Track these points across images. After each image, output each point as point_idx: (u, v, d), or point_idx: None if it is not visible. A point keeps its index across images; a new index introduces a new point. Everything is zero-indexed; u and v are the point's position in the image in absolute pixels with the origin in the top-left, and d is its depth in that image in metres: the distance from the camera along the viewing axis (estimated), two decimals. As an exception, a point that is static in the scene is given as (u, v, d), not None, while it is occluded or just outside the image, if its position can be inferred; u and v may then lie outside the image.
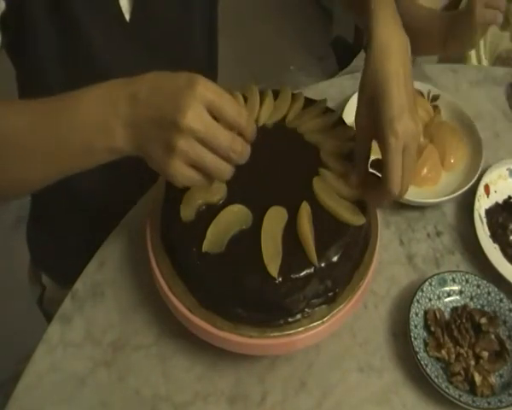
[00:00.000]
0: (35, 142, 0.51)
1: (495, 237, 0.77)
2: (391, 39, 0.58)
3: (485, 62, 1.12)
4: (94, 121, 0.49)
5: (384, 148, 0.55)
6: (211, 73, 0.88)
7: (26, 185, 0.57)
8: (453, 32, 0.90)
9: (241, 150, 0.49)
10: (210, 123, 0.47)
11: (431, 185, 0.81)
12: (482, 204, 0.80)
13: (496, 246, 0.76)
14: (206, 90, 0.47)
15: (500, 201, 0.82)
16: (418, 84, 0.93)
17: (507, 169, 0.84)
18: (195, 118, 0.46)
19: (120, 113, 0.48)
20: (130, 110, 0.48)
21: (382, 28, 0.58)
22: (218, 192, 0.58)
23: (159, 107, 0.47)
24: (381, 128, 0.55)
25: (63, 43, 0.64)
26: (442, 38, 0.92)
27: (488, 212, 0.80)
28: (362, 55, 1.53)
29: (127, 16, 0.67)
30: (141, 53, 0.70)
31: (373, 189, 0.59)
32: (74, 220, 0.87)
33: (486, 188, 0.81)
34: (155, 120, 0.47)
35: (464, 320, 0.67)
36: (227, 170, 0.50)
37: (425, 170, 0.81)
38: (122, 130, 0.48)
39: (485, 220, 0.78)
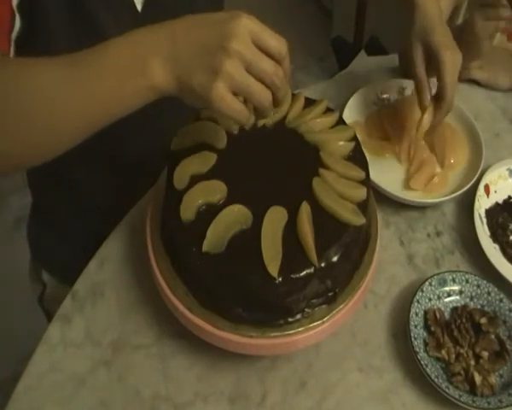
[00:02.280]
0: (65, 93, 0.49)
1: (495, 237, 0.77)
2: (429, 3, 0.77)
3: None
4: (131, 62, 0.48)
5: (440, 67, 0.73)
6: None
7: (56, 144, 0.53)
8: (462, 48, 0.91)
9: (283, 78, 0.50)
10: (255, 49, 0.48)
11: (441, 189, 0.81)
12: (482, 204, 0.80)
13: (496, 246, 0.76)
14: (250, 20, 0.48)
15: (500, 201, 0.82)
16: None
17: (507, 169, 0.84)
18: (242, 42, 0.47)
19: (159, 51, 0.48)
20: (169, 48, 0.48)
21: None
22: (218, 192, 0.58)
23: (202, 38, 0.48)
24: (435, 56, 0.74)
25: (75, 34, 0.64)
26: None
27: (488, 212, 0.80)
28: (362, 54, 1.53)
29: (139, 7, 0.68)
30: None
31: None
32: (75, 216, 0.88)
33: (486, 188, 0.81)
34: (198, 51, 0.47)
35: (464, 320, 0.67)
36: (269, 98, 0.50)
37: (437, 179, 0.81)
38: (160, 67, 0.48)
39: (485, 220, 0.78)
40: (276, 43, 0.49)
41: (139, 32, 0.50)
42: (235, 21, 0.47)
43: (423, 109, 0.78)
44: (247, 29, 0.47)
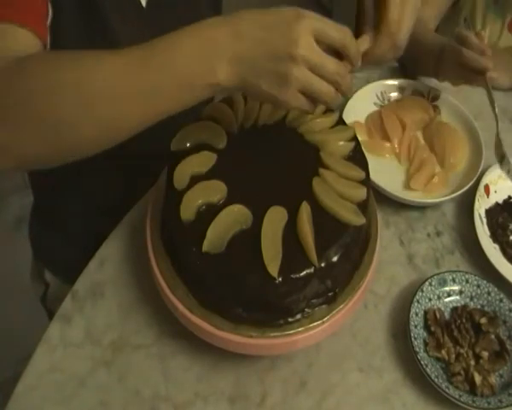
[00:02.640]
0: (130, 86, 0.49)
1: (495, 237, 0.77)
2: None
3: None
4: (193, 59, 0.49)
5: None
6: None
7: (122, 130, 0.53)
8: (442, 66, 0.88)
9: (345, 74, 0.52)
10: (319, 51, 0.49)
11: (441, 189, 0.81)
12: (482, 204, 0.80)
13: (496, 246, 0.76)
14: (312, 19, 0.49)
15: (500, 201, 0.82)
16: (418, 84, 0.93)
17: (507, 169, 0.84)
18: (307, 47, 0.48)
19: (224, 50, 0.48)
20: (234, 46, 0.48)
21: None
22: (218, 192, 0.58)
23: (268, 41, 0.48)
24: None
25: (81, 30, 0.65)
26: (434, 67, 0.90)
27: (488, 212, 0.80)
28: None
29: (143, 2, 0.69)
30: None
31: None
32: (77, 215, 0.88)
33: (486, 188, 0.81)
34: (266, 54, 0.49)
35: (464, 320, 0.67)
36: (335, 96, 0.53)
37: (437, 179, 0.81)
38: (226, 66, 0.49)
39: (485, 220, 0.78)
40: (339, 35, 0.51)
41: (202, 28, 0.50)
42: (298, 24, 0.48)
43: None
44: (310, 30, 0.49)
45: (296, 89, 0.50)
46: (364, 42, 0.57)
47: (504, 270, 0.71)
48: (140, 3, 0.69)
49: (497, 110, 0.83)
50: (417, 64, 0.95)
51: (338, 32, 0.51)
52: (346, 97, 0.88)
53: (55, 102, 0.48)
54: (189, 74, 0.49)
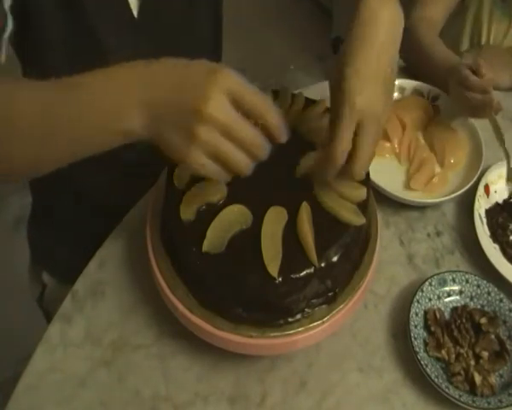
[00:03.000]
0: (47, 125, 0.49)
1: (495, 237, 0.77)
2: (381, 9, 0.53)
3: None
4: (107, 103, 0.47)
5: (336, 116, 0.52)
6: None
7: (38, 167, 0.54)
8: (450, 91, 0.87)
9: (262, 146, 0.47)
10: (231, 114, 0.45)
11: (441, 189, 0.81)
12: (482, 204, 0.80)
13: (496, 246, 0.76)
14: (229, 79, 0.45)
15: (500, 201, 0.82)
16: (418, 84, 0.93)
17: (507, 169, 0.84)
18: (218, 107, 0.44)
19: (136, 94, 0.47)
20: (147, 91, 0.46)
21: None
22: (218, 192, 0.58)
23: (178, 90, 0.45)
24: (341, 95, 0.52)
25: (71, 40, 0.64)
26: (443, 86, 0.89)
27: (488, 212, 0.80)
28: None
29: (135, 12, 0.68)
30: (147, 49, 0.71)
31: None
32: (75, 217, 0.88)
33: (486, 188, 0.81)
34: (175, 104, 0.46)
35: (464, 320, 0.67)
36: (247, 164, 0.48)
37: (437, 179, 0.81)
38: (137, 111, 0.46)
39: (485, 220, 0.78)
40: (258, 101, 0.46)
41: (119, 71, 0.48)
42: (210, 80, 0.44)
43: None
44: (225, 89, 0.44)
45: (203, 151, 0.45)
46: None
47: (504, 270, 0.71)
48: (131, 13, 0.67)
49: (506, 145, 0.82)
50: (427, 77, 0.94)
51: (255, 98, 0.46)
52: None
53: None
54: (101, 117, 0.48)
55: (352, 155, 0.53)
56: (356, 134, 0.52)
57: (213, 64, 0.46)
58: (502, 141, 0.82)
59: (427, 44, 0.95)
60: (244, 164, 0.48)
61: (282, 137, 0.48)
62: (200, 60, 0.47)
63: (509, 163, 0.82)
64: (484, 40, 1.10)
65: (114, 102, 0.47)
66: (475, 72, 0.80)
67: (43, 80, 0.50)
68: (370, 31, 0.52)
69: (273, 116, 0.47)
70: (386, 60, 0.54)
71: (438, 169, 0.83)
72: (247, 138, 0.46)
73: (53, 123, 0.49)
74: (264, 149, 0.48)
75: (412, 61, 0.98)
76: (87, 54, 0.66)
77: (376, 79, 0.52)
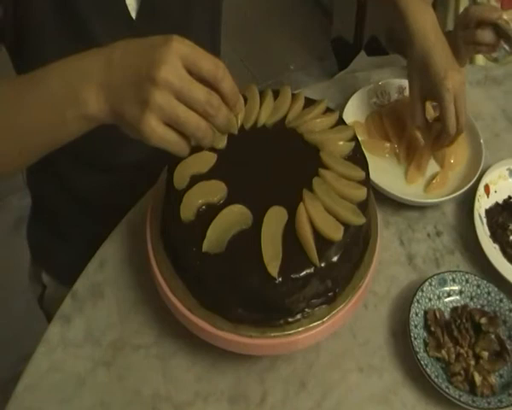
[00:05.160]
0: (6, 119, 0.50)
1: (495, 237, 0.77)
2: (423, 17, 0.75)
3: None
4: (64, 91, 0.47)
5: (440, 102, 0.73)
6: None
7: (5, 163, 0.54)
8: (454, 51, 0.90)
9: (218, 106, 0.46)
10: (185, 76, 0.45)
11: (440, 189, 0.81)
12: (482, 204, 0.80)
13: (496, 246, 0.76)
14: (181, 44, 0.45)
15: (500, 201, 0.82)
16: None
17: (507, 169, 0.84)
18: (171, 70, 0.44)
19: (93, 78, 0.46)
20: (103, 74, 0.46)
21: (414, 8, 0.75)
22: (218, 192, 0.58)
23: (133, 65, 0.45)
24: (435, 88, 0.73)
25: (68, 43, 0.64)
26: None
27: (488, 212, 0.80)
28: (362, 55, 1.53)
29: (133, 14, 0.67)
30: None
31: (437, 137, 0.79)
32: (75, 217, 0.88)
33: (486, 188, 0.81)
34: (129, 79, 0.45)
35: (464, 320, 0.67)
36: (206, 130, 0.47)
37: (437, 179, 0.81)
38: (94, 95, 0.46)
39: (485, 220, 0.78)
40: (211, 66, 0.46)
41: (75, 59, 0.48)
42: (164, 47, 0.44)
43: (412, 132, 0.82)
44: (178, 54, 0.44)
45: (159, 118, 0.45)
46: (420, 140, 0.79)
47: (504, 270, 0.71)
48: (129, 15, 0.67)
49: (506, 145, 0.87)
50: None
51: (210, 63, 0.46)
52: (346, 97, 0.88)
53: None
54: (58, 105, 0.48)
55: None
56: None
57: (166, 35, 0.46)
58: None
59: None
60: (204, 129, 0.47)
61: (238, 105, 0.48)
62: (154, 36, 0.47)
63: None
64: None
65: (71, 89, 0.47)
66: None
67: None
68: (428, 41, 0.75)
69: (228, 82, 0.47)
70: (445, 47, 0.76)
71: (438, 169, 0.83)
72: (200, 98, 0.45)
73: (11, 118, 0.50)
74: (221, 111, 0.47)
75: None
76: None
77: (449, 63, 0.74)
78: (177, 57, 0.44)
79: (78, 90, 0.46)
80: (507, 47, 0.81)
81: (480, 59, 1.12)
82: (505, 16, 0.80)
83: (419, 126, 0.80)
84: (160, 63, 0.44)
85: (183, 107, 0.45)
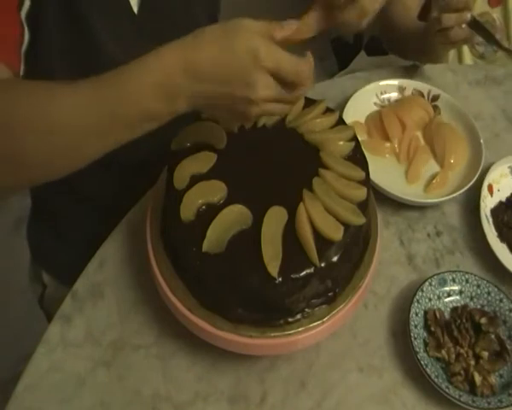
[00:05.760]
0: (89, 120, 0.50)
1: (502, 236, 0.76)
2: None
3: None
4: (154, 97, 0.49)
5: None
6: None
7: (81, 160, 0.55)
8: (425, 46, 0.93)
9: (301, 97, 0.60)
10: (276, 87, 0.51)
11: (441, 189, 0.81)
12: (488, 204, 0.79)
13: (503, 245, 0.76)
14: (269, 56, 0.49)
15: (503, 199, 0.81)
16: (418, 85, 0.93)
17: (508, 167, 0.84)
18: (264, 88, 0.50)
19: (182, 90, 0.49)
20: (193, 87, 0.49)
21: None
22: (218, 192, 0.58)
23: (226, 82, 0.49)
24: None
25: (69, 37, 0.64)
26: (418, 49, 0.97)
27: (493, 211, 0.79)
28: (362, 55, 1.53)
29: (135, 9, 0.67)
30: (147, 46, 0.71)
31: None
32: (75, 217, 0.88)
33: (490, 187, 0.81)
34: (224, 96, 0.50)
35: (464, 320, 0.67)
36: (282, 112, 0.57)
37: (437, 179, 0.81)
38: (185, 99, 0.50)
39: (491, 220, 0.78)
40: (293, 69, 0.51)
41: (160, 61, 0.49)
42: (254, 66, 0.48)
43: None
44: (266, 71, 0.49)
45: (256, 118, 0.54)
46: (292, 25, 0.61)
47: None
48: (131, 10, 0.67)
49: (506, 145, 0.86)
50: (403, 45, 1.01)
51: (291, 65, 0.51)
52: (346, 97, 0.88)
53: (10, 136, 0.49)
54: (150, 109, 0.50)
55: None
56: None
57: (248, 46, 0.49)
58: (491, 35, 0.85)
59: (403, 17, 1.01)
60: (286, 111, 0.58)
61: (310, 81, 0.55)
62: (237, 40, 0.49)
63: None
64: None
65: (162, 94, 0.49)
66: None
67: (76, 80, 0.50)
68: None
69: (305, 78, 0.53)
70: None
71: (438, 169, 0.83)
72: (291, 100, 0.54)
73: (93, 119, 0.50)
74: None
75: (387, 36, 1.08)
76: (85, 50, 0.66)
77: None
78: (267, 73, 0.50)
79: (171, 98, 0.50)
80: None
81: (467, 57, 1.12)
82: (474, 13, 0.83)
83: None
84: (253, 85, 0.49)
85: (275, 107, 0.53)
